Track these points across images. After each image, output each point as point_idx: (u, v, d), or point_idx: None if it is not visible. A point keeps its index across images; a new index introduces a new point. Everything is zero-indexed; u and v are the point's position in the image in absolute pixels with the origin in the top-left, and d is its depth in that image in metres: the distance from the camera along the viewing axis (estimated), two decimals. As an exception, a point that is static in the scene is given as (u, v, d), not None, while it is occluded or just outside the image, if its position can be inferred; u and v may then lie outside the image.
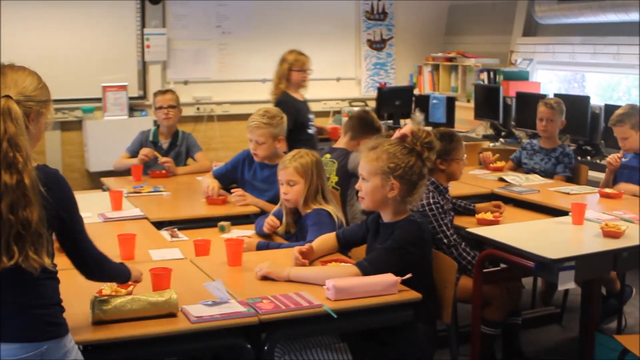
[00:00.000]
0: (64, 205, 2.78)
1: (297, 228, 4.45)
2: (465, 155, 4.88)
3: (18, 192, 2.57)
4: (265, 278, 3.59)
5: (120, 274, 3.18)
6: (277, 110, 5.42)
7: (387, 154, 3.69)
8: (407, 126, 3.93)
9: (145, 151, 6.33)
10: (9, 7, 8.75)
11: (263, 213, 4.89)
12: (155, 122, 7.88)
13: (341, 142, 5.75)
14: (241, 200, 5.18)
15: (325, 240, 4.04)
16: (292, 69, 6.85)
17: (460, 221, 4.90)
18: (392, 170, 3.66)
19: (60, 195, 2.75)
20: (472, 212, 5.07)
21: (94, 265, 3.00)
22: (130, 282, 3.25)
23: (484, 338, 4.46)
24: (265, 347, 3.17)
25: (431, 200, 4.57)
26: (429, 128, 4.35)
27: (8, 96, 2.63)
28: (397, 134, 3.89)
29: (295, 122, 6.34)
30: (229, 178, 5.58)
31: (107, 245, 4.12)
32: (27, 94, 2.72)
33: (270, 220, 4.53)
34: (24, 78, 2.76)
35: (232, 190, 5.28)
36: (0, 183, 2.55)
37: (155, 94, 6.67)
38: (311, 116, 6.92)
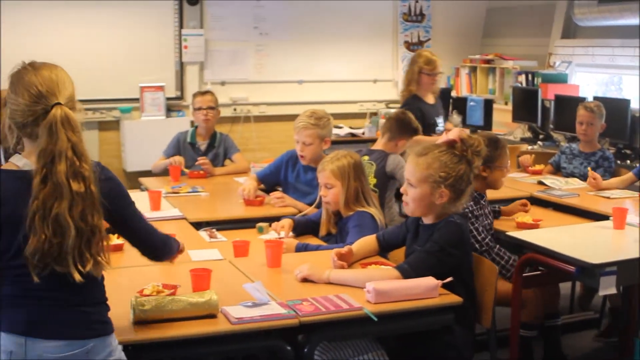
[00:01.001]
0: (122, 203, 2.85)
1: (338, 230, 4.44)
2: (509, 163, 4.83)
3: (87, 200, 2.60)
4: (305, 280, 3.58)
5: (176, 246, 3.27)
6: (323, 112, 5.40)
7: (439, 163, 3.65)
8: (454, 131, 3.88)
9: (176, 159, 6.33)
10: (50, 8, 8.83)
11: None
12: (192, 123, 7.91)
13: (379, 144, 5.73)
14: (280, 202, 5.18)
15: (366, 242, 4.03)
16: (423, 72, 6.75)
17: (500, 225, 4.87)
18: (443, 180, 3.63)
19: (116, 194, 2.81)
20: (498, 215, 5.04)
21: (162, 249, 3.12)
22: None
23: (521, 341, 4.42)
24: (305, 349, 3.17)
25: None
26: (478, 134, 4.30)
27: (59, 103, 2.63)
28: (443, 138, 3.84)
29: (422, 125, 6.21)
30: (271, 180, 5.59)
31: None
32: (71, 96, 2.72)
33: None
34: (63, 79, 2.74)
35: (272, 194, 5.29)
36: (71, 192, 2.56)
37: (195, 95, 6.70)
38: (440, 119, 6.87)
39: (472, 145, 3.79)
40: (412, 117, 5.84)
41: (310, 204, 5.07)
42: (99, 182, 2.67)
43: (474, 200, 4.60)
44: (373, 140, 8.41)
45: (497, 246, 4.54)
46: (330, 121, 5.39)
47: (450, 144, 3.76)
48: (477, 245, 4.48)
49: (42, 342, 2.63)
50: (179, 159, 6.33)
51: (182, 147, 6.53)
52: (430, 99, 6.77)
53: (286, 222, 4.55)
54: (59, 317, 2.65)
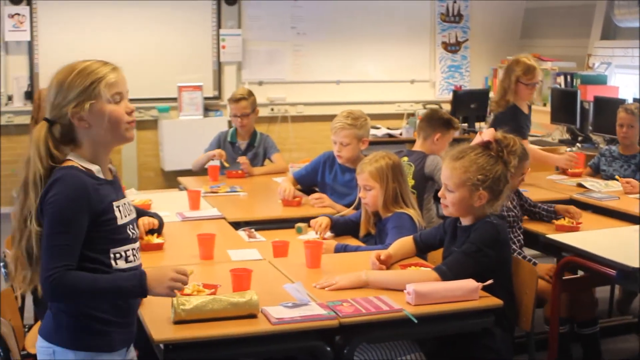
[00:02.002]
0: None
1: (377, 231, 4.43)
2: (529, 169, 4.78)
3: None
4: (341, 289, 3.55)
5: None
6: (360, 112, 5.39)
7: (476, 166, 3.62)
8: (488, 132, 3.85)
9: (217, 152, 6.37)
10: (88, 8, 8.91)
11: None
12: (229, 123, 7.95)
13: (417, 145, 5.70)
14: (319, 203, 5.18)
15: (403, 244, 4.02)
16: (520, 81, 6.16)
17: (538, 227, 4.83)
18: (481, 182, 3.61)
19: None
20: (552, 215, 4.98)
21: None
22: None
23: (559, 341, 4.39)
24: (345, 350, 3.17)
25: (511, 205, 4.51)
26: (511, 135, 4.25)
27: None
28: (477, 139, 3.81)
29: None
30: (308, 181, 5.59)
31: (186, 244, 4.21)
32: (52, 104, 2.75)
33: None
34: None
35: (312, 195, 5.29)
36: None
37: (229, 101, 6.64)
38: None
39: (507, 146, 3.77)
40: (441, 111, 5.80)
41: (348, 206, 5.07)
42: None
43: (519, 199, 4.57)
44: (411, 141, 8.38)
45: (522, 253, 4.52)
46: (368, 121, 5.38)
47: (485, 145, 3.74)
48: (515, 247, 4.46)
49: None
50: (219, 152, 6.36)
51: (222, 146, 6.54)
52: (526, 109, 6.50)
53: (324, 220, 4.55)
54: None
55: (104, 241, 2.66)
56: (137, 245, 2.81)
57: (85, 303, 2.65)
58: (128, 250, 2.73)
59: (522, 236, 4.65)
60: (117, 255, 2.69)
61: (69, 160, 2.66)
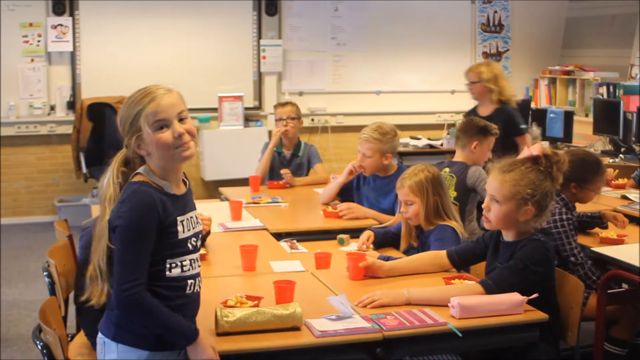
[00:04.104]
0: None
1: (420, 243, 4.40)
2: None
3: None
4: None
5: None
6: (390, 127, 5.36)
7: (527, 180, 3.58)
8: (536, 146, 3.79)
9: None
10: (131, 19, 9.00)
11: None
12: (269, 133, 7.96)
13: (457, 156, 5.67)
14: (349, 214, 5.17)
15: (424, 258, 3.99)
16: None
17: (583, 240, 4.78)
18: (530, 196, 3.57)
19: None
20: (597, 220, 4.93)
21: None
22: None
23: (609, 358, 4.33)
24: (389, 364, 3.15)
25: (564, 217, 4.44)
26: (576, 150, 4.20)
27: None
28: (526, 153, 3.76)
29: None
30: (347, 190, 5.58)
31: (228, 256, 4.21)
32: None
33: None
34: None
35: (337, 206, 5.27)
36: None
37: (275, 107, 6.74)
38: None
39: (557, 162, 3.72)
40: (476, 119, 5.78)
41: (382, 212, 5.07)
42: None
43: (570, 211, 4.52)
44: (451, 152, 8.34)
45: (590, 262, 4.46)
46: (396, 137, 5.36)
47: (534, 160, 3.70)
48: (572, 259, 4.38)
49: None
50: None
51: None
52: (481, 110, 6.66)
53: (365, 235, 4.53)
54: None
55: (162, 251, 2.80)
56: (196, 255, 2.94)
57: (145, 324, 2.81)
58: (185, 260, 2.87)
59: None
60: (173, 265, 2.84)
61: (140, 174, 2.84)
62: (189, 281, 2.89)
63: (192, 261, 2.90)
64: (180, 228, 2.83)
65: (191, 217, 2.92)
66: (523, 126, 6.70)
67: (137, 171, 2.84)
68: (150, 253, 2.76)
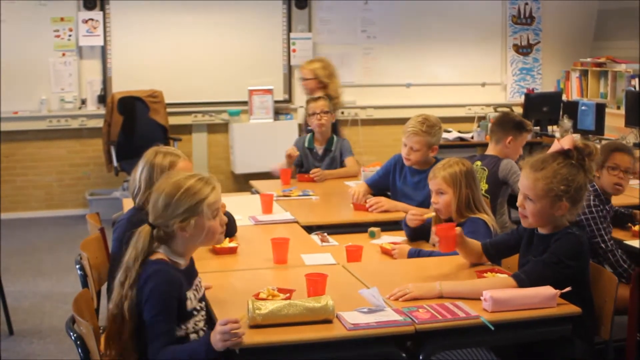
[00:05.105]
0: None
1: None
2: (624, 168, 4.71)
3: None
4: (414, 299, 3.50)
5: None
6: (436, 119, 5.33)
7: (560, 176, 3.54)
8: (567, 139, 3.75)
9: (289, 151, 6.41)
10: (160, 13, 9.03)
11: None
12: (299, 126, 7.97)
13: (490, 149, 5.65)
14: (378, 207, 5.15)
15: (473, 244, 3.96)
16: None
17: (616, 233, 4.75)
18: (564, 192, 3.54)
19: None
20: (628, 217, 4.90)
21: None
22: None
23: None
24: (421, 357, 3.14)
25: (591, 203, 4.42)
26: (593, 143, 4.18)
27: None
28: (556, 146, 3.73)
29: None
30: (382, 185, 5.55)
31: (260, 248, 4.22)
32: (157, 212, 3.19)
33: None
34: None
35: (368, 201, 5.26)
36: None
37: (308, 101, 6.72)
38: None
39: (589, 154, 3.68)
40: (513, 114, 5.75)
41: (417, 206, 5.05)
42: None
43: (602, 202, 4.50)
44: (482, 145, 8.33)
45: (620, 250, 4.43)
46: (441, 129, 5.34)
47: (566, 154, 3.66)
48: (602, 245, 4.38)
49: None
50: (291, 150, 6.40)
51: (302, 153, 6.56)
52: None
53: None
54: None
55: None
56: (200, 315, 3.17)
57: None
58: (189, 323, 3.10)
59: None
60: (177, 329, 3.06)
61: (159, 253, 3.09)
62: (192, 335, 3.09)
63: (196, 322, 3.13)
64: (189, 301, 3.08)
65: (196, 285, 3.20)
66: None
67: (158, 249, 3.10)
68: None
